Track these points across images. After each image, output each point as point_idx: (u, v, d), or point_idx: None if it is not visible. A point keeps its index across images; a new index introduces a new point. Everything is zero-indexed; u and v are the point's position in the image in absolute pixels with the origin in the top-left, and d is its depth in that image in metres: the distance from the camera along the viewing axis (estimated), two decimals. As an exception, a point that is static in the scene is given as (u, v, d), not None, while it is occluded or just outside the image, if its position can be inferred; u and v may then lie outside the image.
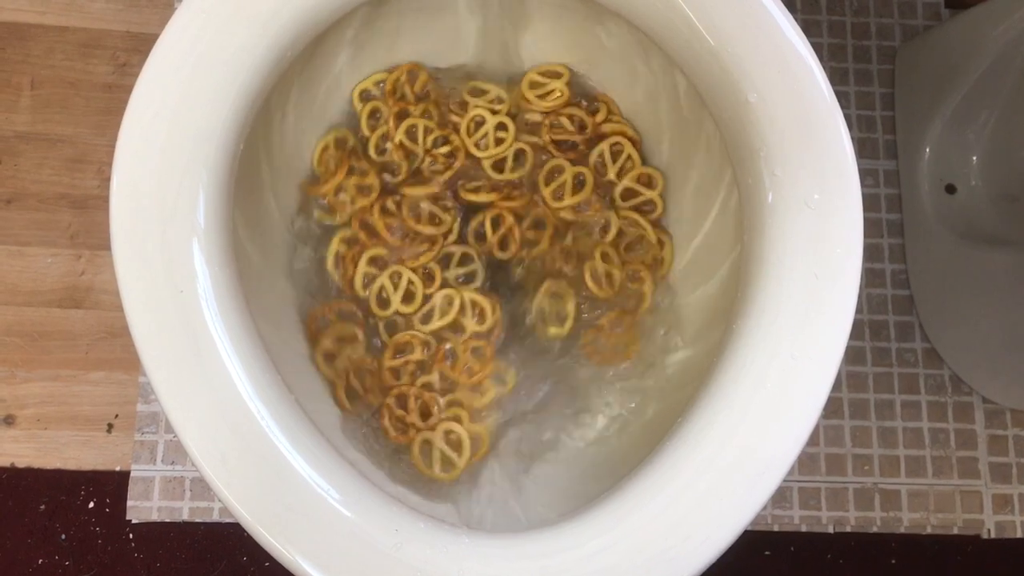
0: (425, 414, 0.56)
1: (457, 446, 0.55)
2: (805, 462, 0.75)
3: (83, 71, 0.79)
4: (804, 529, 0.74)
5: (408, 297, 0.57)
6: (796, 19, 0.45)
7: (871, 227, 0.80)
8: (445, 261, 0.59)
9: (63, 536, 0.71)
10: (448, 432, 0.55)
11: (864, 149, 0.82)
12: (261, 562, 0.72)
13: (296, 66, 0.52)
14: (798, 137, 0.43)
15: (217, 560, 0.71)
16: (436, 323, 0.57)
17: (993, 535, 0.76)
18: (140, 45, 0.79)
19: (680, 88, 0.55)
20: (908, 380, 0.78)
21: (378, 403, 0.56)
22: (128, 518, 0.71)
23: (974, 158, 0.79)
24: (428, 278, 0.58)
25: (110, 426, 0.73)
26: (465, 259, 0.59)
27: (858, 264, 0.42)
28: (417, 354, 0.57)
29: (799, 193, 0.43)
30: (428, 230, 0.58)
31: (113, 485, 0.72)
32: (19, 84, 0.78)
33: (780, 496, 0.75)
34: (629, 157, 0.60)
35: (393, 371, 0.56)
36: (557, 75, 0.61)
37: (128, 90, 0.42)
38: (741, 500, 0.39)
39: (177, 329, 0.40)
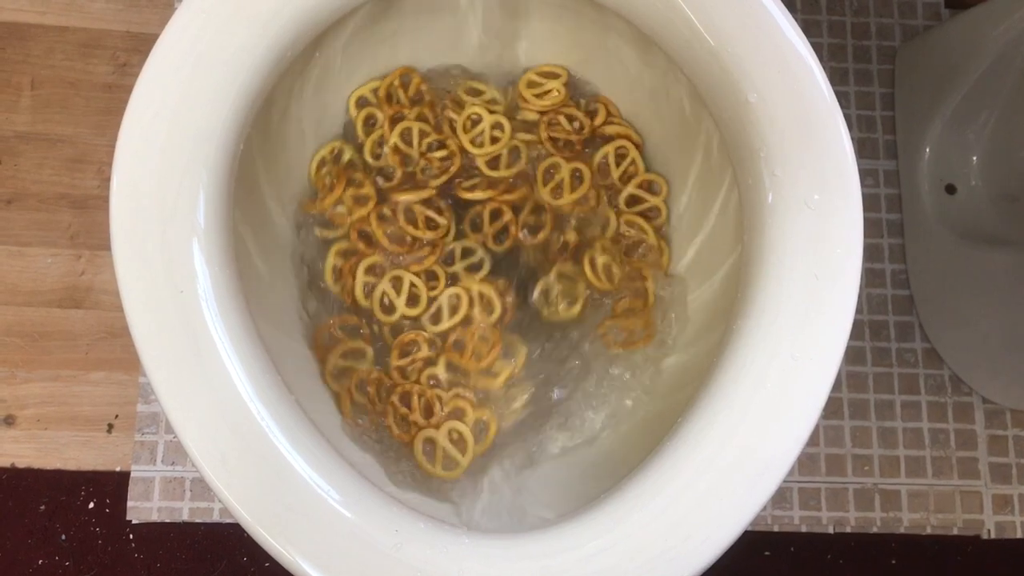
0: (428, 412, 0.56)
1: (460, 444, 0.55)
2: (805, 462, 0.75)
3: (83, 71, 0.79)
4: (804, 529, 0.74)
5: (412, 300, 0.57)
6: (796, 19, 0.45)
7: (871, 227, 0.80)
8: (449, 258, 0.59)
9: (63, 536, 0.71)
10: (451, 430, 0.55)
11: (864, 149, 0.82)
12: (261, 562, 0.71)
13: (296, 66, 0.52)
14: (798, 137, 0.43)
15: (217, 560, 0.71)
16: (446, 323, 0.57)
17: (993, 535, 0.76)
18: (140, 45, 0.79)
19: (680, 88, 0.55)
20: (908, 380, 0.78)
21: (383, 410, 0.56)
22: (128, 518, 0.71)
23: (974, 158, 0.79)
24: (431, 278, 0.58)
25: (110, 426, 0.73)
26: (467, 252, 0.59)
27: (858, 264, 0.42)
28: (423, 351, 0.57)
29: (799, 193, 0.43)
30: (426, 235, 0.58)
31: (113, 485, 0.72)
32: (19, 84, 0.78)
33: (780, 496, 0.75)
34: (633, 161, 0.60)
35: (400, 370, 0.57)
36: (555, 76, 0.61)
37: (128, 90, 0.42)
38: (741, 500, 0.39)
39: (177, 329, 0.40)
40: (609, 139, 0.61)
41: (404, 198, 0.58)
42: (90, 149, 0.77)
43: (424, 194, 0.58)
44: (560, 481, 0.54)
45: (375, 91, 0.60)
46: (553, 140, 0.60)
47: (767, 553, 0.75)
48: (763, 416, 0.40)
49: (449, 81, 0.62)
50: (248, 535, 0.38)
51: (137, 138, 0.42)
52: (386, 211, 0.58)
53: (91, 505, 0.71)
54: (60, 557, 0.71)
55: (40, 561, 0.71)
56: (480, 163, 0.60)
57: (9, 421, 0.73)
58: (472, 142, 0.60)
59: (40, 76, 0.78)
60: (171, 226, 0.41)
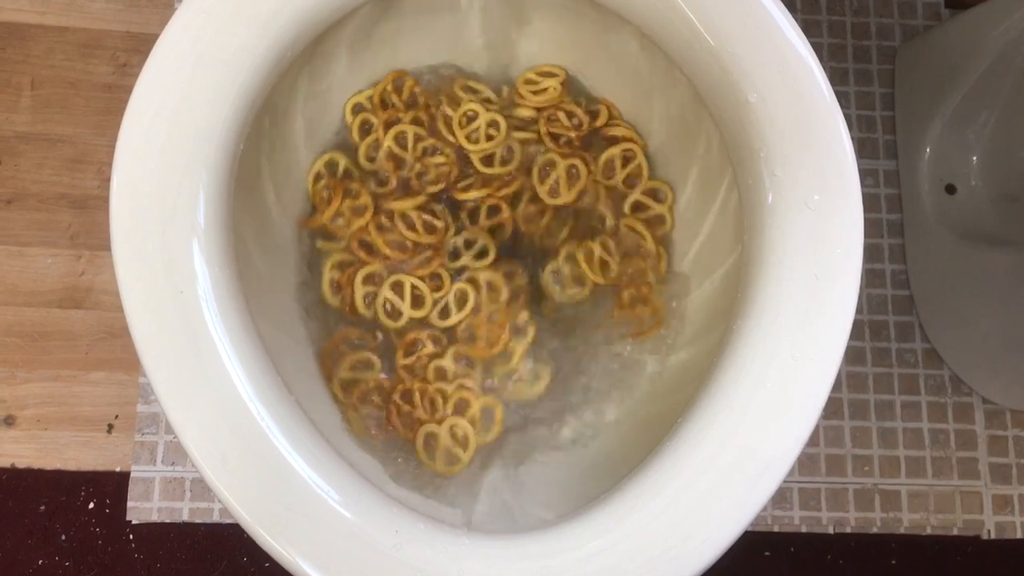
0: (431, 408, 0.56)
1: (462, 441, 0.55)
2: (805, 463, 0.75)
3: (83, 71, 0.79)
4: (804, 530, 0.74)
5: (417, 301, 0.57)
6: (796, 19, 0.45)
7: (871, 227, 0.80)
8: (454, 253, 0.59)
9: (63, 537, 0.71)
10: (453, 426, 0.55)
11: (864, 149, 0.82)
12: (261, 563, 0.71)
13: (296, 66, 0.52)
14: (798, 137, 0.43)
15: (217, 561, 0.71)
16: (455, 317, 0.57)
17: (993, 536, 0.76)
18: (140, 45, 0.79)
19: (680, 88, 0.55)
20: (908, 380, 0.78)
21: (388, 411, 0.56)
22: (128, 519, 0.71)
23: (974, 158, 0.79)
24: (434, 278, 0.58)
25: (110, 427, 0.73)
26: (469, 243, 0.59)
27: (858, 264, 0.42)
28: (428, 348, 0.57)
29: (799, 193, 0.43)
30: (426, 239, 0.58)
31: (113, 486, 0.72)
32: (19, 84, 0.78)
33: (780, 497, 0.75)
34: (638, 165, 0.60)
35: (407, 368, 0.57)
36: (553, 75, 0.61)
37: (128, 90, 0.42)
38: (741, 500, 0.39)
39: (177, 329, 0.40)
40: (614, 140, 0.60)
41: (400, 205, 0.58)
42: (90, 149, 0.77)
43: (420, 200, 0.58)
44: (560, 481, 0.54)
45: (370, 98, 0.60)
46: (552, 136, 0.60)
47: (767, 553, 0.75)
48: (763, 416, 0.40)
49: (446, 81, 0.62)
50: (248, 535, 0.38)
51: (137, 138, 0.42)
52: (384, 220, 0.58)
53: (91, 505, 0.71)
54: (60, 557, 0.71)
55: (40, 561, 0.71)
56: (475, 159, 0.60)
57: (9, 421, 0.73)
58: (467, 138, 0.60)
59: (40, 76, 0.78)
60: (171, 226, 0.41)
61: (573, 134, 0.60)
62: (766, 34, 0.44)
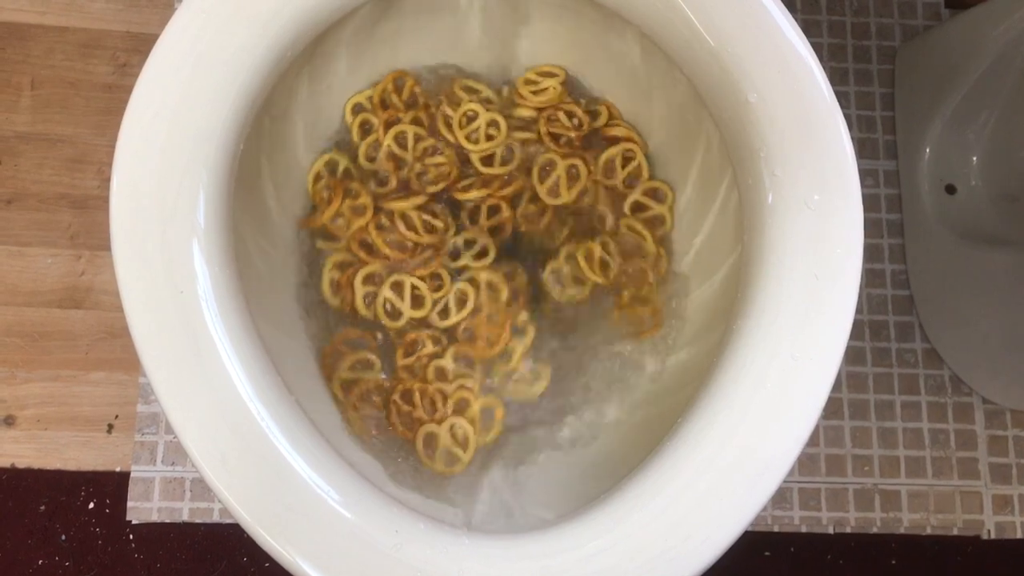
0: (431, 408, 0.56)
1: (462, 440, 0.55)
2: (805, 463, 0.75)
3: (83, 71, 0.79)
4: (804, 530, 0.74)
5: (417, 301, 0.57)
6: (796, 19, 0.45)
7: (871, 227, 0.80)
8: (454, 252, 0.59)
9: (63, 537, 0.71)
10: (453, 426, 0.55)
11: (864, 149, 0.82)
12: (261, 563, 0.71)
13: (296, 66, 0.52)
14: (798, 137, 0.43)
15: (217, 561, 0.71)
16: (455, 317, 0.57)
17: (993, 536, 0.76)
18: (140, 45, 0.79)
19: (680, 88, 0.55)
20: (908, 381, 0.78)
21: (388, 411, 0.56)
22: (128, 519, 0.71)
23: (974, 158, 0.79)
24: (434, 278, 0.58)
25: (110, 427, 0.73)
26: (469, 243, 0.59)
27: (858, 264, 0.42)
28: (428, 348, 0.57)
29: (799, 193, 0.43)
30: (427, 239, 0.58)
31: (113, 486, 0.72)
32: (19, 84, 0.78)
33: (780, 497, 0.75)
34: (639, 165, 0.60)
35: (407, 369, 0.57)
36: (553, 75, 0.61)
37: (128, 90, 0.42)
38: (741, 500, 0.39)
39: (177, 329, 0.40)
40: (614, 140, 0.61)
41: (400, 205, 0.58)
42: (90, 149, 0.77)
43: (420, 200, 0.58)
44: (560, 481, 0.54)
45: (370, 98, 0.60)
46: (552, 136, 0.60)
47: (767, 553, 0.75)
48: (763, 416, 0.40)
49: (446, 81, 0.62)
50: (248, 535, 0.38)
51: (137, 138, 0.42)
52: (384, 220, 0.58)
53: (91, 505, 0.71)
54: (60, 557, 0.71)
55: (40, 561, 0.71)
56: (474, 159, 0.60)
57: (9, 421, 0.73)
58: (467, 138, 0.60)
59: (40, 76, 0.78)
60: (171, 226, 0.41)
61: (573, 134, 0.60)
62: (766, 34, 0.44)
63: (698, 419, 0.41)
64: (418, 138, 0.60)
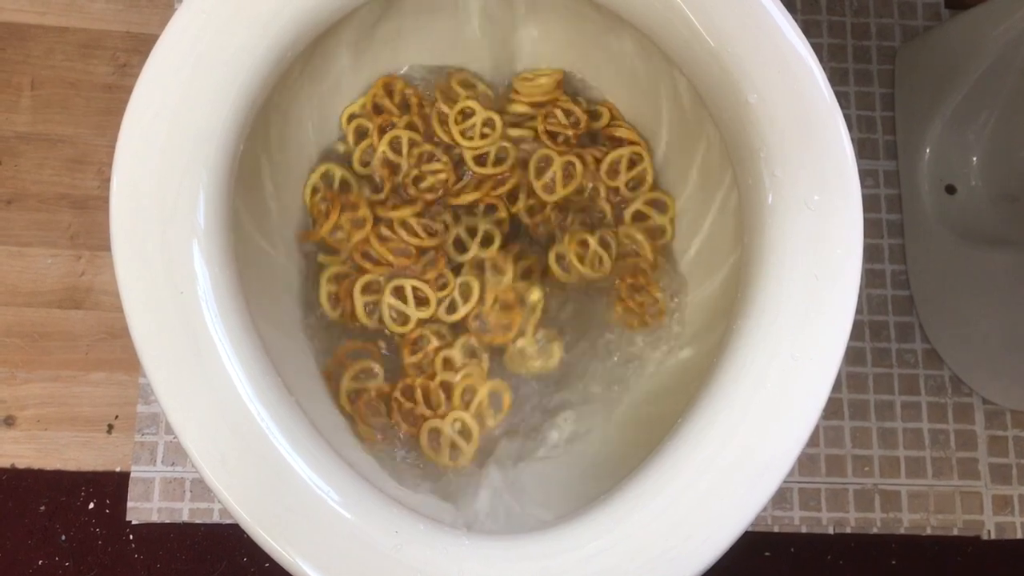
0: (434, 403, 0.56)
1: (465, 434, 0.55)
2: (805, 463, 0.75)
3: (83, 71, 0.79)
4: (804, 530, 0.74)
5: (421, 302, 0.57)
6: (796, 19, 0.45)
7: (871, 227, 0.80)
8: (460, 246, 0.59)
9: (63, 537, 0.71)
10: (455, 420, 0.55)
11: (864, 149, 0.82)
12: (261, 563, 0.71)
13: (297, 66, 0.52)
14: (798, 137, 0.43)
15: (217, 561, 0.71)
16: (462, 311, 0.57)
17: (993, 536, 0.76)
18: (140, 45, 0.79)
19: (680, 89, 0.55)
20: (908, 381, 0.78)
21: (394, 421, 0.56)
22: (128, 519, 0.71)
23: (974, 158, 0.79)
24: (437, 277, 0.58)
25: (110, 427, 0.73)
26: (472, 231, 0.59)
27: (858, 264, 0.42)
28: (433, 343, 0.57)
29: (799, 194, 0.43)
30: (429, 242, 0.58)
31: (113, 486, 0.72)
32: (19, 84, 0.78)
33: (780, 497, 0.75)
34: (644, 171, 0.60)
35: (415, 366, 0.57)
36: (549, 75, 0.61)
37: (128, 90, 0.42)
38: (742, 500, 0.39)
39: (177, 330, 0.40)
40: (619, 142, 0.60)
41: (399, 214, 0.58)
42: (90, 149, 0.77)
43: (418, 207, 0.58)
44: (560, 481, 0.54)
45: (363, 106, 0.60)
46: (550, 134, 0.60)
47: (767, 554, 0.75)
48: (763, 416, 0.40)
49: (444, 78, 0.62)
50: (248, 536, 0.38)
51: (137, 138, 0.42)
52: (384, 230, 0.58)
53: (91, 505, 0.71)
54: (60, 557, 0.71)
55: (40, 561, 0.71)
56: (468, 157, 0.60)
57: (9, 422, 0.73)
58: (462, 134, 0.60)
59: (40, 76, 0.78)
60: (171, 226, 0.41)
61: (570, 132, 0.60)
62: (766, 34, 0.44)
63: (698, 419, 0.41)
64: (413, 143, 0.60)
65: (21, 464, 0.72)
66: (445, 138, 0.60)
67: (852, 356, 0.78)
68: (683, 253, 0.59)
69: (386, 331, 0.58)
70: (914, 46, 0.82)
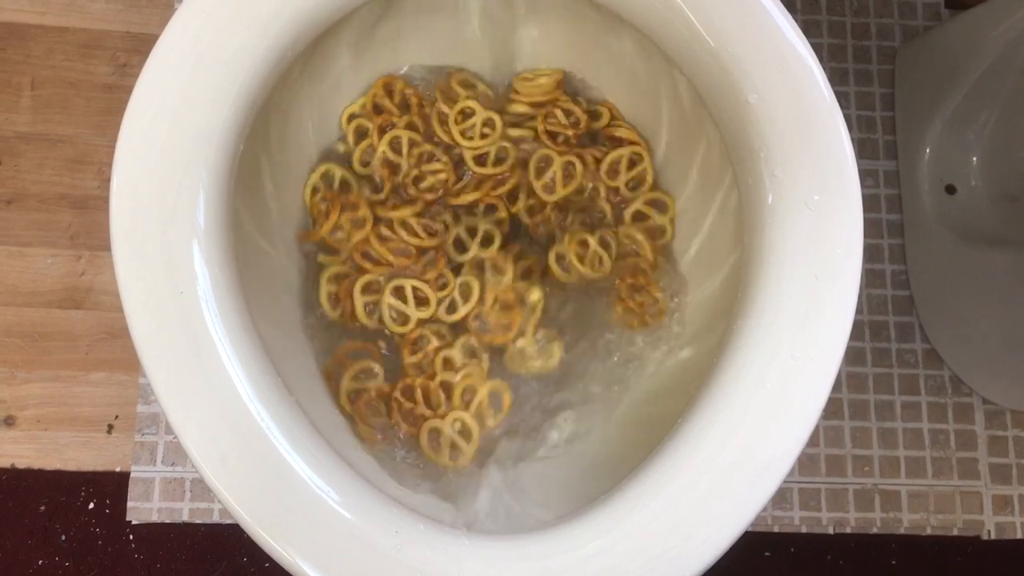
0: (433, 403, 0.56)
1: (465, 434, 0.55)
2: (805, 463, 0.75)
3: (83, 71, 0.79)
4: (804, 530, 0.74)
5: (421, 302, 0.57)
6: (796, 19, 0.45)
7: (871, 227, 0.80)
8: (460, 246, 0.59)
9: (63, 537, 0.71)
10: (455, 420, 0.55)
11: (864, 149, 0.82)
12: (261, 563, 0.71)
13: (297, 66, 0.52)
14: (798, 137, 0.43)
15: (217, 561, 0.71)
16: (462, 311, 0.57)
17: (993, 536, 0.76)
18: (140, 45, 0.79)
19: (680, 89, 0.55)
20: (908, 381, 0.78)
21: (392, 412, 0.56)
22: (128, 519, 0.71)
23: (974, 158, 0.79)
24: (438, 277, 0.58)
25: (110, 427, 0.73)
26: (472, 231, 0.59)
27: (858, 264, 0.42)
28: (433, 343, 0.57)
29: (799, 194, 0.43)
30: (429, 242, 0.58)
31: (113, 486, 0.72)
32: (19, 84, 0.78)
33: (780, 497, 0.75)
34: (645, 171, 0.60)
35: (415, 366, 0.57)
36: (549, 75, 0.61)
37: (128, 90, 0.42)
38: (742, 500, 0.39)
39: (177, 330, 0.40)
40: (619, 142, 0.60)
41: (399, 214, 0.58)
42: (90, 149, 0.77)
43: (418, 208, 0.58)
44: (560, 481, 0.54)
45: (363, 107, 0.60)
46: (550, 135, 0.60)
47: (767, 554, 0.75)
48: (763, 416, 0.40)
49: (444, 78, 0.62)
50: (248, 535, 0.38)
51: (137, 138, 0.42)
52: (384, 231, 0.58)
53: (91, 505, 0.71)
54: (60, 557, 0.71)
55: (40, 561, 0.71)
56: (468, 157, 0.60)
57: (9, 422, 0.73)
58: (462, 134, 0.60)
59: (40, 76, 0.78)
60: (171, 226, 0.41)
61: (570, 132, 0.60)
62: (766, 34, 0.44)
63: (698, 419, 0.41)
64: (413, 143, 0.60)
65: (21, 464, 0.72)
66: (445, 138, 0.60)
67: (852, 356, 0.78)
68: (683, 253, 0.59)
69: (386, 331, 0.58)
70: (914, 46, 0.82)
